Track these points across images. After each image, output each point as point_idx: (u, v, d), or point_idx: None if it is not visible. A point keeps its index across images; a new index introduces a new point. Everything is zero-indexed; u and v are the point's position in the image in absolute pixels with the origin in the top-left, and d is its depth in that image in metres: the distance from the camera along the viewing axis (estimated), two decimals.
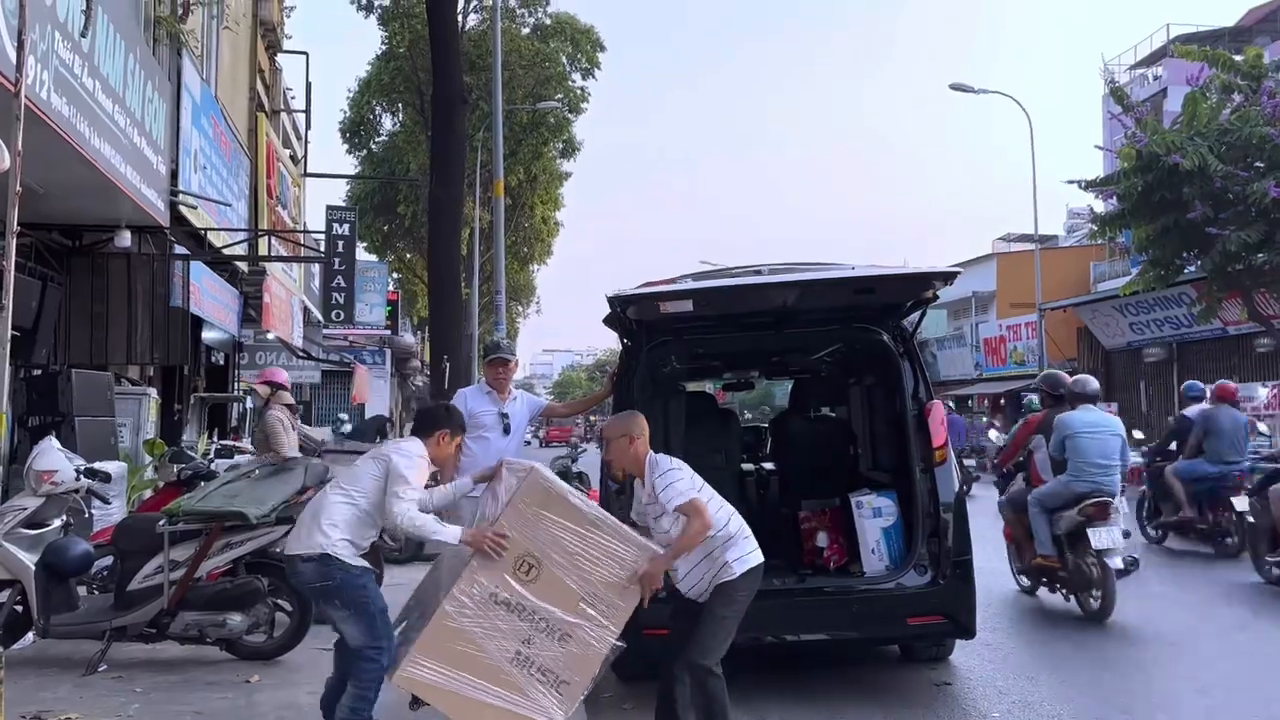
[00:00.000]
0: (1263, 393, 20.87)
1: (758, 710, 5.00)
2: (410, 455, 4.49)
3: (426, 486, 4.63)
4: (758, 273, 5.95)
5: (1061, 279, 31.09)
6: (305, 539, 4.41)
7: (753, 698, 4.85)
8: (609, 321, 6.38)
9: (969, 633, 5.79)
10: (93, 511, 7.21)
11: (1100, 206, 21.56)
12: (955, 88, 28.00)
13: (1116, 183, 19.37)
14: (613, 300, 5.64)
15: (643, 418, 4.78)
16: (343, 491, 4.47)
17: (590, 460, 13.85)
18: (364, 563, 4.48)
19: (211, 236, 12.47)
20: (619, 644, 4.34)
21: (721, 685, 4.42)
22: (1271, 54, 21.96)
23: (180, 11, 11.48)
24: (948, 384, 35.08)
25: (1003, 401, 32.77)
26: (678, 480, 4.46)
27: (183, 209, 10.96)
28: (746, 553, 4.53)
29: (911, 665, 6.31)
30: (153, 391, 11.02)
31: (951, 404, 26.63)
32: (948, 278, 5.57)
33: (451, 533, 4.36)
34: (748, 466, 8.46)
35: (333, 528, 4.36)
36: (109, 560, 6.48)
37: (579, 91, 30.37)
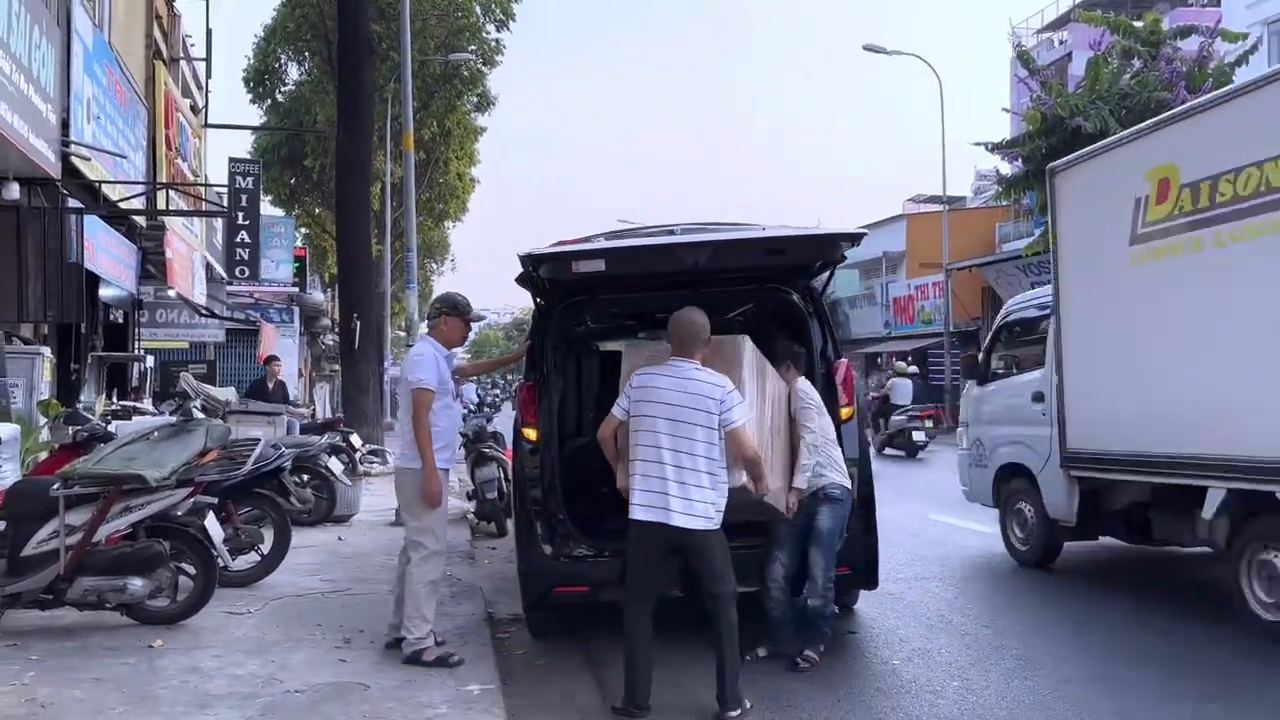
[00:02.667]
0: None
1: (673, 663, 5.08)
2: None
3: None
4: (670, 232, 5.96)
5: (969, 240, 31.78)
6: None
7: (666, 644, 4.94)
8: (521, 281, 6.33)
9: (872, 583, 6.00)
10: None
11: (1006, 168, 22.08)
12: (869, 49, 28.30)
13: (1022, 145, 19.85)
14: (525, 259, 5.60)
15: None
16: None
17: (503, 419, 13.81)
18: None
19: (107, 190, 11.98)
20: None
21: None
22: (1170, 20, 22.64)
23: None
24: (859, 342, 35.77)
25: (910, 359, 33.57)
26: None
27: (75, 160, 10.50)
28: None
29: None
30: (47, 350, 10.60)
31: (916, 368, 27.08)
32: (855, 238, 5.67)
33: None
34: None
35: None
36: (1, 526, 6.24)
37: (493, 43, 29.80)
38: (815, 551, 5.40)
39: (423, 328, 6.63)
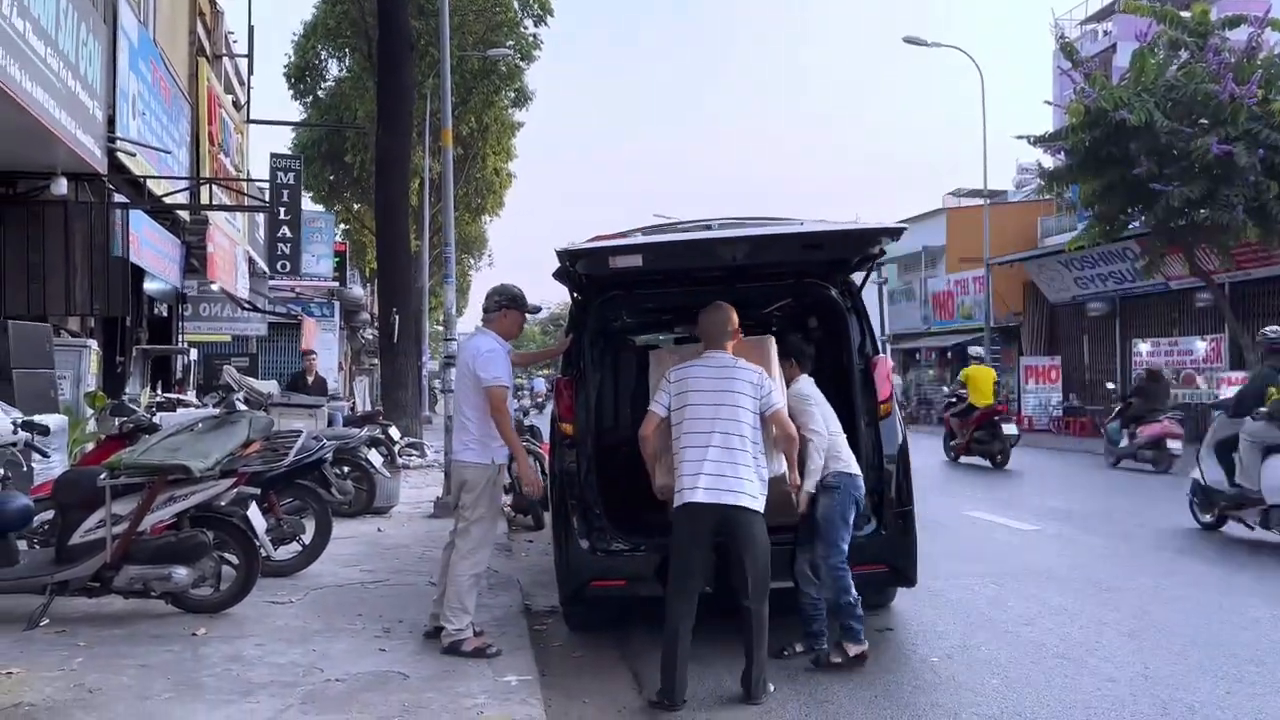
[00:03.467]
0: (1201, 346, 21.40)
1: (701, 657, 5.09)
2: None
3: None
4: (707, 227, 5.95)
5: (1010, 234, 31.44)
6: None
7: (696, 644, 4.95)
8: (558, 276, 6.36)
9: (910, 581, 5.93)
10: (32, 465, 7.08)
11: (1049, 162, 21.81)
12: (909, 41, 28.05)
13: (1064, 138, 19.58)
14: (562, 254, 5.62)
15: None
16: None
17: (539, 418, 13.84)
18: None
19: (151, 184, 12.16)
20: None
21: None
22: (1218, 10, 22.20)
23: None
24: (897, 337, 35.51)
25: (949, 355, 33.28)
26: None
27: (121, 156, 10.68)
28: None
29: None
30: (93, 343, 10.80)
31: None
32: (894, 233, 5.61)
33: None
34: None
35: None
36: (49, 514, 6.37)
37: (531, 38, 29.84)
38: (817, 541, 5.33)
39: (455, 321, 6.67)
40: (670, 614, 4.79)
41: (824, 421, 5.40)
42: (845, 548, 5.28)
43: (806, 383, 5.54)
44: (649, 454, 5.22)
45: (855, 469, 5.41)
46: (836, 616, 5.29)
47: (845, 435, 5.52)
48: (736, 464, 4.82)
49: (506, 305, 5.75)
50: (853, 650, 5.23)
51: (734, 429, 4.86)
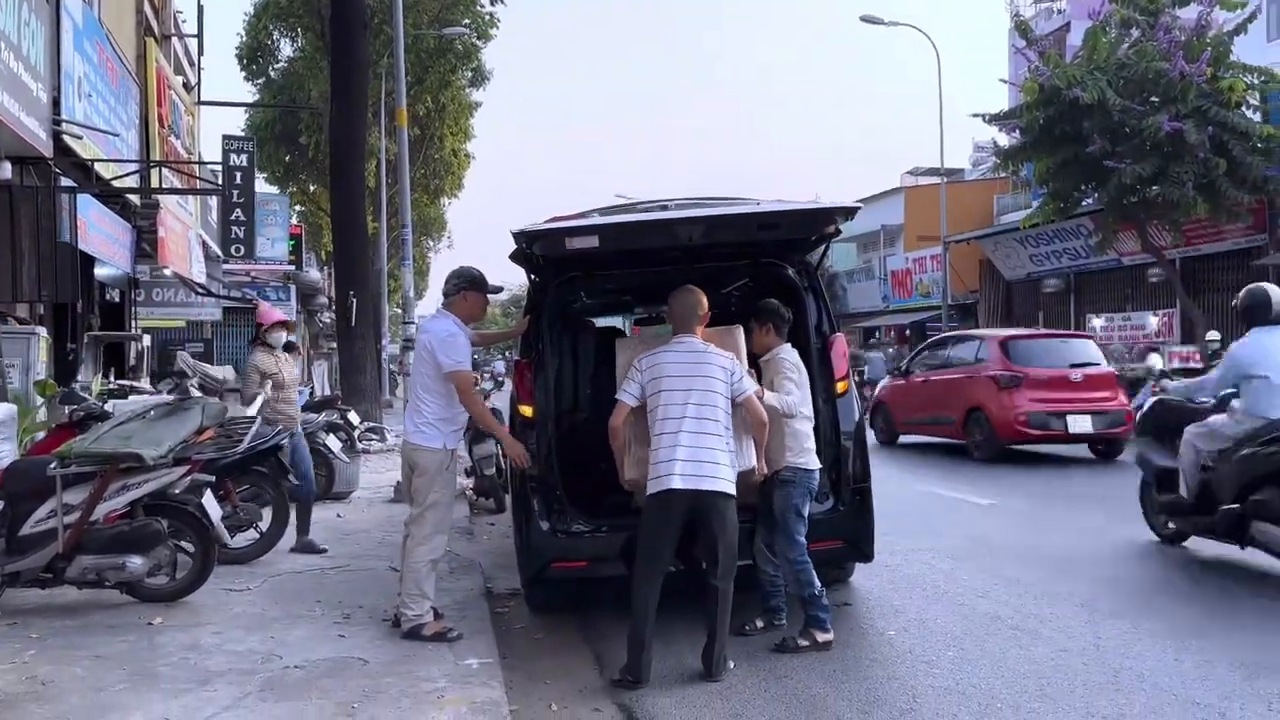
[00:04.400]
0: (1153, 321, 21.77)
1: (663, 635, 5.12)
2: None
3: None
4: (664, 208, 5.94)
5: (966, 212, 31.75)
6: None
7: (657, 622, 4.98)
8: (515, 257, 6.32)
9: (868, 556, 6.01)
10: None
11: (1004, 140, 22.02)
12: (866, 19, 28.11)
13: (1019, 116, 19.78)
14: (518, 235, 5.59)
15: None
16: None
17: (500, 399, 13.81)
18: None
19: (100, 168, 11.92)
20: None
21: None
22: None
23: None
24: (856, 316, 35.78)
25: (908, 332, 33.59)
26: None
27: (67, 139, 10.44)
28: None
29: None
30: (42, 330, 10.58)
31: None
32: (849, 212, 5.64)
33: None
34: None
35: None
36: None
37: (487, 17, 29.57)
38: (776, 535, 5.31)
39: (413, 304, 6.61)
40: (637, 596, 4.82)
41: (797, 397, 5.29)
42: (803, 540, 5.26)
43: (789, 350, 5.43)
44: (618, 446, 5.21)
45: (812, 464, 5.32)
46: (803, 608, 5.30)
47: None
48: (712, 449, 4.83)
49: (466, 288, 5.68)
50: (820, 638, 5.21)
51: (708, 413, 4.87)
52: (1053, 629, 5.58)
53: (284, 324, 8.41)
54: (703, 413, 4.87)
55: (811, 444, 5.38)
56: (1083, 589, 6.44)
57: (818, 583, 5.24)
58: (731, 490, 4.87)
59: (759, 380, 5.32)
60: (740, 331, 5.59)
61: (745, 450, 5.13)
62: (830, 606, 5.35)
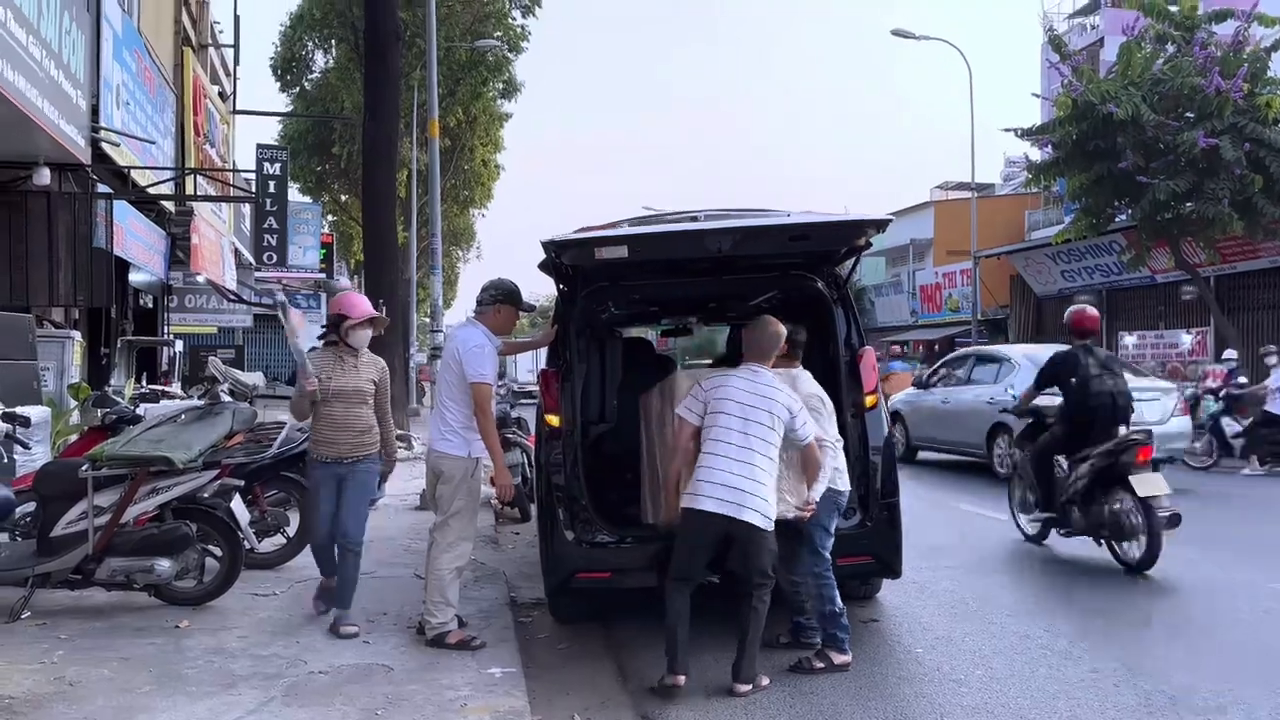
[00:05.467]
0: (1187, 339, 21.51)
1: (691, 648, 5.08)
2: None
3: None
4: (694, 219, 5.93)
5: (997, 227, 31.54)
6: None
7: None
8: (544, 267, 6.33)
9: (895, 572, 5.94)
10: (14, 457, 7.03)
11: (1036, 155, 21.86)
12: (897, 34, 28.02)
13: (1052, 131, 19.62)
14: (548, 245, 5.59)
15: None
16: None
17: (527, 409, 13.82)
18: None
19: (136, 175, 12.09)
20: None
21: None
22: (1205, 5, 22.26)
23: None
24: (884, 330, 35.59)
25: (937, 347, 33.36)
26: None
27: (105, 146, 10.60)
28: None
29: None
30: (76, 334, 10.73)
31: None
32: (880, 225, 5.60)
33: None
34: None
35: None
36: (31, 506, 6.33)
37: (519, 29, 29.76)
38: (802, 549, 5.26)
39: (442, 313, 6.60)
40: (671, 605, 4.85)
41: (822, 425, 5.26)
42: (829, 556, 5.23)
43: (811, 381, 5.37)
44: (674, 469, 5.16)
45: (842, 485, 5.29)
46: (822, 625, 5.25)
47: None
48: (755, 480, 4.83)
49: (501, 301, 5.67)
50: (837, 659, 5.13)
51: (759, 445, 4.86)
52: (1083, 649, 5.49)
53: (374, 321, 6.05)
54: (754, 444, 4.86)
55: (842, 463, 5.35)
56: (1115, 608, 6.35)
57: (839, 601, 5.19)
58: (766, 524, 4.84)
59: None
60: (807, 377, 5.42)
61: (798, 489, 5.09)
62: (850, 627, 5.27)
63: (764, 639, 5.23)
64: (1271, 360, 14.53)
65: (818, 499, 5.09)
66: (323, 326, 6.34)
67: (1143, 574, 7.17)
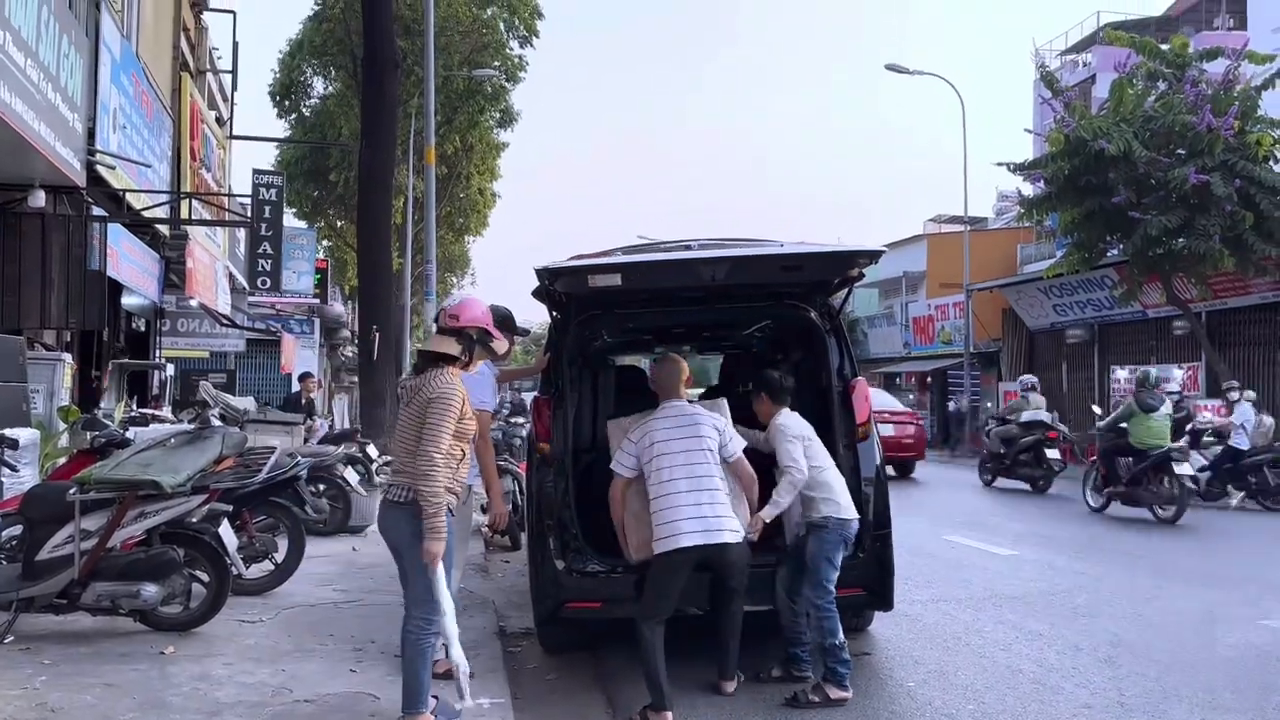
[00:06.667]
0: (1179, 374, 21.55)
1: (677, 675, 5.04)
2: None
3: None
4: (687, 248, 5.95)
5: (989, 260, 31.66)
6: None
7: (671, 665, 4.92)
8: (538, 295, 6.33)
9: (887, 605, 5.92)
10: (1, 479, 6.99)
11: (1028, 189, 22.00)
12: (891, 68, 28.27)
13: (1044, 166, 19.77)
14: (541, 273, 5.60)
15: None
16: None
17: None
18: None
19: (131, 198, 12.09)
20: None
21: None
22: (1196, 43, 22.52)
23: None
24: (877, 361, 35.62)
25: (929, 380, 33.41)
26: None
27: (100, 169, 10.61)
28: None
29: None
30: (68, 357, 10.69)
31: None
32: (873, 255, 5.63)
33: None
34: None
35: None
36: (17, 529, 6.28)
37: (516, 60, 29.96)
38: (805, 581, 5.26)
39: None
40: (644, 640, 4.84)
41: (812, 454, 5.29)
42: (832, 589, 5.20)
43: (788, 415, 5.44)
44: (618, 518, 5.34)
45: (850, 514, 5.30)
46: (823, 658, 5.20)
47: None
48: (714, 503, 5.01)
49: (496, 326, 5.68)
50: (834, 695, 5.05)
51: (704, 470, 5.08)
52: (1075, 683, 5.46)
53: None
54: (699, 470, 5.05)
55: (844, 491, 5.36)
56: (1105, 642, 6.32)
57: (841, 634, 5.16)
58: (737, 539, 5.02)
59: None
60: (724, 404, 5.78)
61: (740, 510, 5.23)
62: (851, 662, 5.22)
63: (754, 674, 5.33)
64: (1234, 395, 14.79)
65: (769, 519, 5.24)
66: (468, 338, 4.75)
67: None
